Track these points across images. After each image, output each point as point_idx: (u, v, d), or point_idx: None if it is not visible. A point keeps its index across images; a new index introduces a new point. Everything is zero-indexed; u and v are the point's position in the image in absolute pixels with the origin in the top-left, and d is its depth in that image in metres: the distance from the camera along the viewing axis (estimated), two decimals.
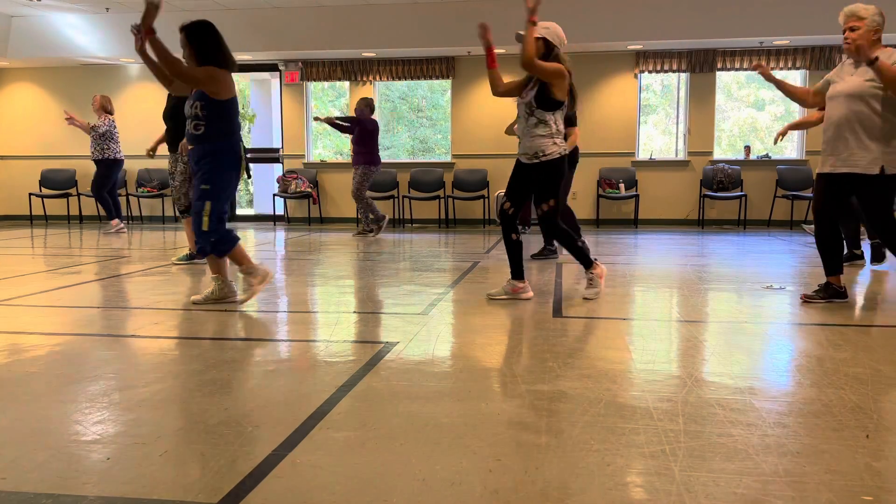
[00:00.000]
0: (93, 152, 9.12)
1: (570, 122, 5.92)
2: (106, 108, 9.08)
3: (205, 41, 4.05)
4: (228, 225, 4.27)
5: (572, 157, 6.26)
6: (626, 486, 1.80)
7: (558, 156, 4.20)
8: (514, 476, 1.86)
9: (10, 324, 3.78)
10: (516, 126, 4.40)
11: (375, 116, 8.78)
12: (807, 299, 4.22)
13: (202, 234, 4.09)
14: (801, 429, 2.18)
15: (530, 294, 4.41)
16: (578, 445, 2.05)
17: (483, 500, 1.74)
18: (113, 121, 9.12)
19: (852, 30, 3.91)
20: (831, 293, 4.19)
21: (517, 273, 4.39)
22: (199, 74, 4.02)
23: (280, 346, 3.37)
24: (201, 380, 2.73)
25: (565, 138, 4.34)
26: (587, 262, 4.42)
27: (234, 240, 4.20)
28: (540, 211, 4.30)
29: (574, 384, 2.64)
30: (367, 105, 8.68)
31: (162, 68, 4.13)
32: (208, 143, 4.07)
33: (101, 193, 9.26)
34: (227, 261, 4.32)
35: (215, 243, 4.13)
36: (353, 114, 9.17)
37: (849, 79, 4.00)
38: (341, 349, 3.25)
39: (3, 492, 1.78)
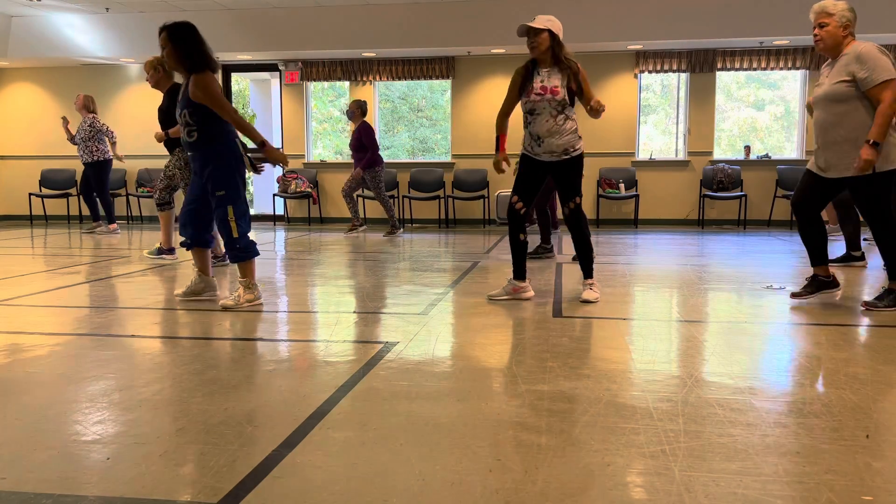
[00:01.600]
0: (82, 155, 8.96)
1: None
2: (88, 108, 8.92)
3: (185, 42, 4.00)
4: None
5: None
6: (626, 486, 1.80)
7: (582, 150, 4.30)
8: (514, 476, 1.86)
9: (10, 324, 3.78)
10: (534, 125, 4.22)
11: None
12: (796, 296, 4.21)
13: (232, 240, 4.09)
14: (801, 429, 2.18)
15: (531, 294, 4.41)
16: (578, 445, 2.05)
17: (483, 500, 1.74)
18: (94, 119, 8.88)
19: (822, 26, 3.90)
20: (819, 284, 4.19)
21: (519, 273, 4.38)
22: (218, 103, 3.96)
23: (280, 346, 3.37)
24: (201, 380, 2.73)
25: None
26: (591, 272, 4.39)
27: (255, 253, 4.18)
28: (568, 208, 4.26)
29: (574, 384, 2.64)
30: (358, 107, 8.70)
31: (245, 126, 4.12)
32: (205, 147, 4.04)
33: (105, 196, 9.15)
34: (209, 258, 4.38)
35: (239, 248, 4.10)
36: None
37: (825, 81, 3.99)
38: (341, 349, 3.25)
39: (3, 492, 1.78)
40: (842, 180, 3.97)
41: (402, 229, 9.06)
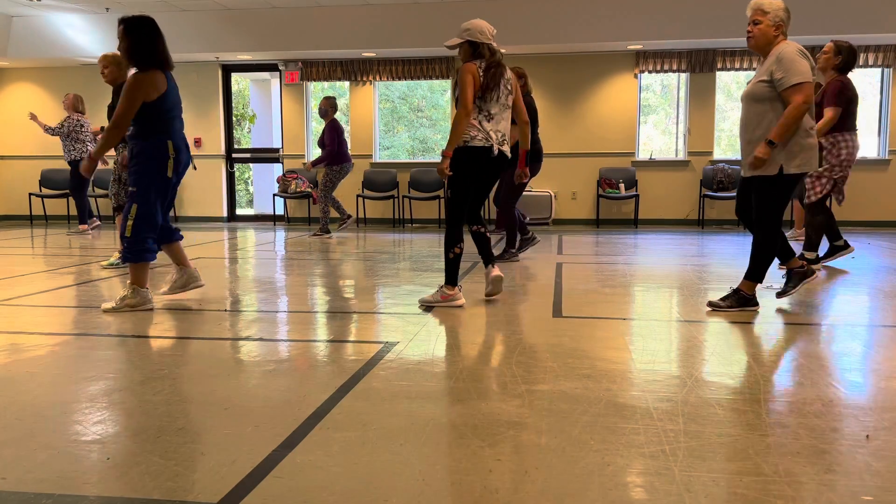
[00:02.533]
0: (65, 154, 8.99)
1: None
2: (76, 108, 8.88)
3: (140, 38, 3.94)
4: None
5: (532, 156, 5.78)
6: (626, 486, 1.80)
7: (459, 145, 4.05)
8: (514, 476, 1.86)
9: (10, 324, 3.78)
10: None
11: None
12: (782, 295, 4.15)
13: (123, 237, 4.07)
14: (801, 429, 2.18)
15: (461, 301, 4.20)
16: (578, 445, 2.05)
17: (483, 500, 1.74)
18: (77, 120, 8.84)
19: (755, 24, 3.88)
20: (799, 277, 4.12)
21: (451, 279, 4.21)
22: (124, 105, 3.91)
23: (280, 346, 3.37)
24: (201, 379, 2.73)
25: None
26: (449, 278, 4.17)
27: (142, 259, 4.07)
28: None
29: (574, 384, 2.64)
30: (329, 105, 8.59)
31: (114, 139, 4.08)
32: (135, 142, 4.04)
33: (79, 196, 9.12)
34: (182, 250, 4.38)
35: (127, 247, 4.04)
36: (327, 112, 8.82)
37: (754, 80, 3.96)
38: (341, 349, 3.25)
39: (3, 492, 1.78)
40: (756, 181, 3.91)
41: (331, 236, 8.73)
